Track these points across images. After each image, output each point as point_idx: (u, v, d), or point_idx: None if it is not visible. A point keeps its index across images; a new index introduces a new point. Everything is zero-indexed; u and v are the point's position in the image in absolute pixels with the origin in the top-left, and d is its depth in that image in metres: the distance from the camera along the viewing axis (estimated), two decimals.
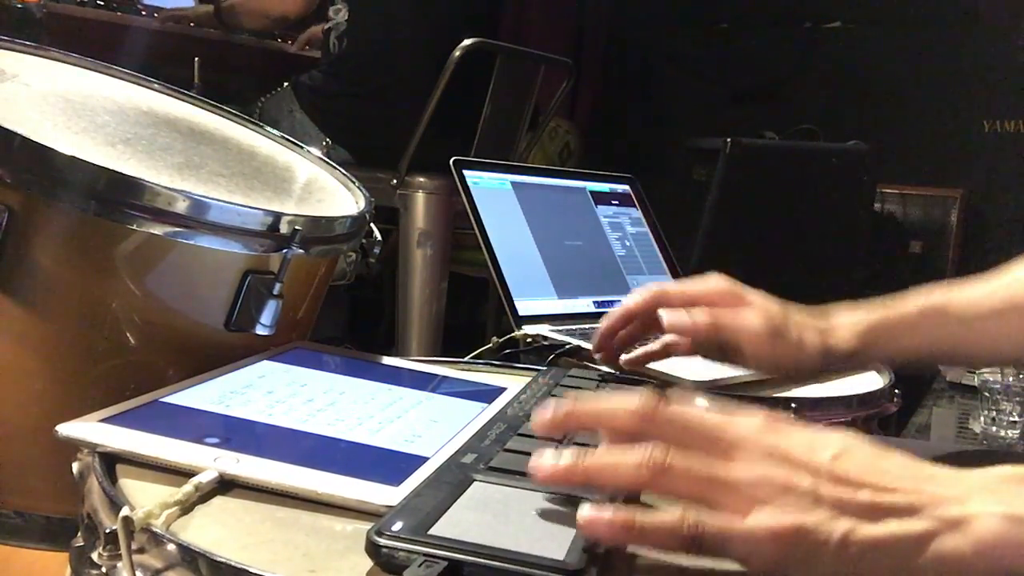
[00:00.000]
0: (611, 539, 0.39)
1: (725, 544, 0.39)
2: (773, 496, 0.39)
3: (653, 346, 0.74)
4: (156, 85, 0.95)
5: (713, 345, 0.67)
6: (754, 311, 0.67)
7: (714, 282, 0.69)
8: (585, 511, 0.39)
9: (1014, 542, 0.38)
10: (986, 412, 1.34)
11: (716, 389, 0.79)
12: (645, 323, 0.71)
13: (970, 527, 0.38)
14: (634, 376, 0.76)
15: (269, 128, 0.98)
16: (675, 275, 1.23)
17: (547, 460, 0.42)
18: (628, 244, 1.22)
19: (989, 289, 0.68)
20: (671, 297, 0.70)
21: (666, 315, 0.67)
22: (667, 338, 0.72)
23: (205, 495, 0.46)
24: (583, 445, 0.43)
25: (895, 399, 0.91)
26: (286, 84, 1.99)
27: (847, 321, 0.69)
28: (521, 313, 1.00)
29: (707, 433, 0.42)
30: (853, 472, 0.40)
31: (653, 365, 0.82)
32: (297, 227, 0.68)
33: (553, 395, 0.64)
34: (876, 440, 0.44)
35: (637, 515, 0.39)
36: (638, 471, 0.40)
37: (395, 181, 1.83)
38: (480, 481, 0.46)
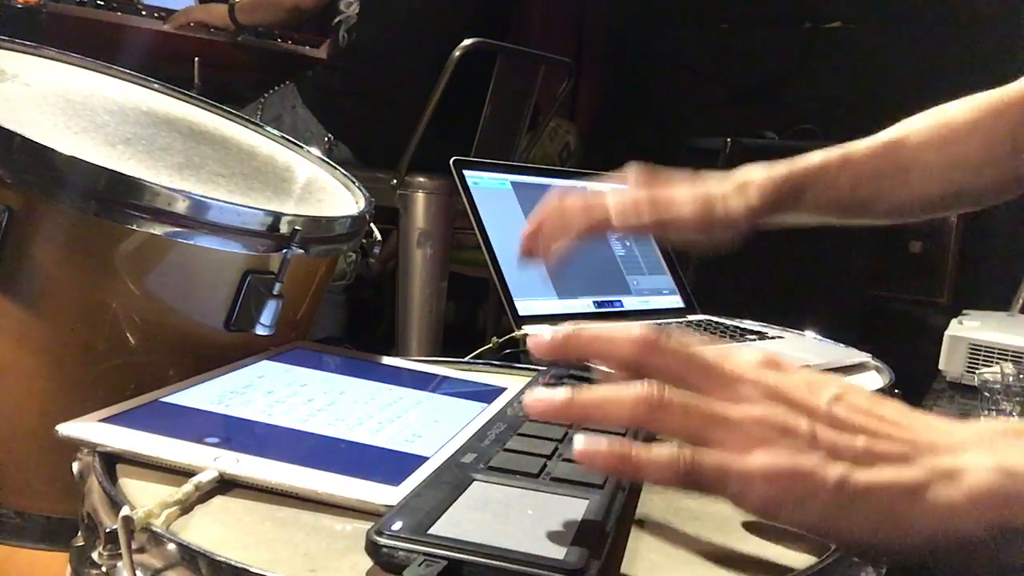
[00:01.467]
0: (607, 469, 0.40)
1: (721, 481, 0.39)
2: (771, 437, 0.39)
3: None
4: (156, 85, 0.95)
5: (654, 224, 0.71)
6: (682, 193, 0.71)
7: (633, 177, 0.72)
8: (581, 442, 0.39)
9: (1006, 494, 0.38)
10: (986, 412, 1.34)
11: None
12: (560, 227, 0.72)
13: (963, 478, 0.38)
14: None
15: (269, 128, 0.98)
16: (675, 275, 1.23)
17: (542, 394, 0.41)
18: (628, 244, 1.22)
19: (880, 146, 0.76)
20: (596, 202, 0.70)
21: (616, 210, 0.69)
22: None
23: (205, 495, 0.46)
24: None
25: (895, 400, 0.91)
26: (288, 81, 1.99)
27: (756, 181, 0.73)
28: (521, 313, 1.00)
29: (707, 368, 0.41)
30: (850, 416, 0.40)
31: None
32: (297, 227, 0.68)
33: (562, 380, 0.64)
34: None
35: (633, 447, 0.39)
36: (635, 406, 0.40)
37: (395, 181, 1.83)
38: (480, 481, 0.46)
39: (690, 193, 0.71)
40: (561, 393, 0.41)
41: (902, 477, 0.39)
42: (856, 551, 0.42)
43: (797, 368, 0.43)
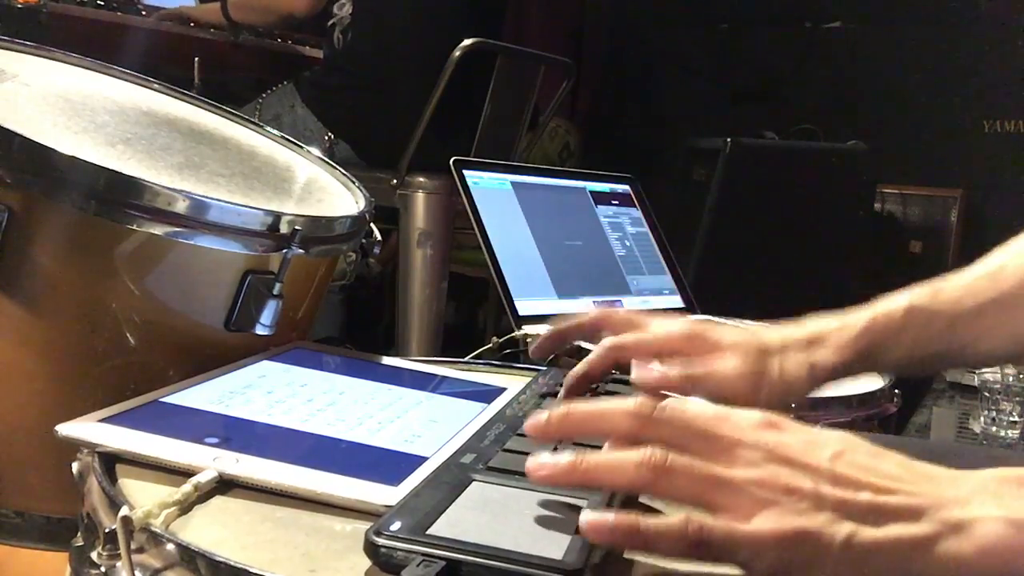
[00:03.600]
0: (615, 544, 0.39)
1: (731, 549, 0.39)
2: (775, 497, 0.39)
3: None
4: (156, 85, 0.95)
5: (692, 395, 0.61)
6: (728, 355, 0.61)
7: (678, 326, 0.62)
8: (588, 515, 0.39)
9: (1015, 547, 0.38)
10: (986, 412, 1.34)
11: None
12: (607, 366, 0.64)
13: (972, 531, 0.38)
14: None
15: (269, 128, 0.98)
16: (675, 275, 1.23)
17: (545, 460, 0.41)
18: (628, 244, 1.22)
19: (971, 285, 0.65)
20: (632, 351, 0.62)
21: (635, 373, 0.60)
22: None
23: (204, 495, 0.46)
24: (581, 446, 0.43)
25: (895, 399, 0.91)
26: (287, 81, 1.99)
27: (831, 333, 0.64)
28: (521, 313, 1.00)
29: (705, 432, 0.42)
30: (852, 472, 0.40)
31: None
32: (297, 227, 0.68)
33: (553, 395, 0.64)
34: (874, 439, 0.44)
35: (641, 519, 0.38)
36: (639, 471, 0.40)
37: (395, 181, 1.83)
38: (479, 481, 0.46)
39: (733, 359, 0.60)
40: (565, 457, 0.41)
41: (911, 532, 0.39)
42: None
43: (796, 426, 0.43)
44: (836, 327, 0.63)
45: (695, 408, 0.43)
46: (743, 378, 0.60)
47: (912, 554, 0.38)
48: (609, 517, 0.39)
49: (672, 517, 0.39)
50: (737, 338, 0.62)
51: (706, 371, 0.60)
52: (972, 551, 0.38)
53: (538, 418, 0.44)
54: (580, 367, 0.64)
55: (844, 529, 0.38)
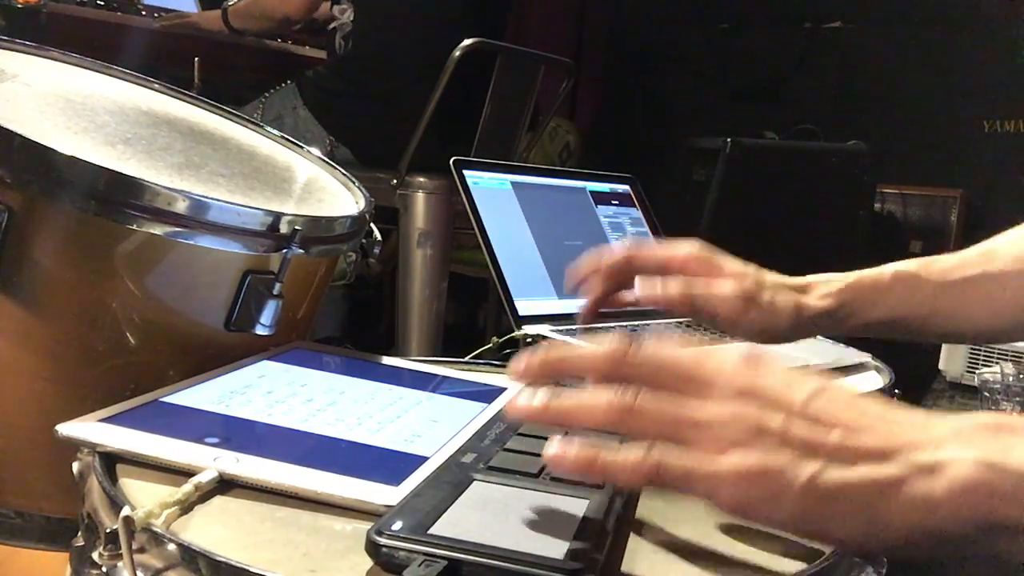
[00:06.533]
0: (575, 472, 0.40)
1: (687, 482, 0.39)
2: (741, 436, 0.39)
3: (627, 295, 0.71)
4: (156, 85, 0.95)
5: (686, 313, 0.67)
6: (727, 280, 0.66)
7: (688, 247, 0.67)
8: (551, 447, 0.40)
9: (987, 487, 0.37)
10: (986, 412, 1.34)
11: None
12: (619, 282, 0.69)
13: (943, 472, 0.38)
14: None
15: (269, 128, 0.98)
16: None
17: (522, 400, 0.42)
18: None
19: (963, 259, 0.69)
20: (644, 260, 0.67)
21: (639, 285, 0.66)
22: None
23: (205, 495, 0.46)
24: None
25: (895, 399, 0.91)
26: (290, 81, 1.99)
27: (820, 283, 0.70)
28: (521, 313, 1.00)
29: (680, 372, 0.42)
30: (826, 412, 0.40)
31: None
32: (297, 227, 0.68)
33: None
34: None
35: (602, 451, 0.39)
36: (607, 411, 0.40)
37: (395, 181, 1.83)
38: (480, 481, 0.46)
39: (731, 284, 0.66)
40: (539, 398, 0.42)
41: (879, 473, 0.38)
42: (834, 548, 0.42)
43: (777, 364, 0.43)
44: (826, 279, 0.70)
45: (671, 350, 0.43)
46: (735, 300, 0.65)
47: (880, 495, 0.38)
48: (571, 448, 0.40)
49: (632, 449, 0.39)
50: (739, 268, 0.67)
51: (704, 291, 0.65)
52: (943, 492, 0.37)
53: (518, 362, 0.44)
54: (592, 261, 0.68)
55: (809, 468, 0.38)
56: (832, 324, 0.70)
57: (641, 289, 0.66)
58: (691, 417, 0.40)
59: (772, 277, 0.69)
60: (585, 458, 0.39)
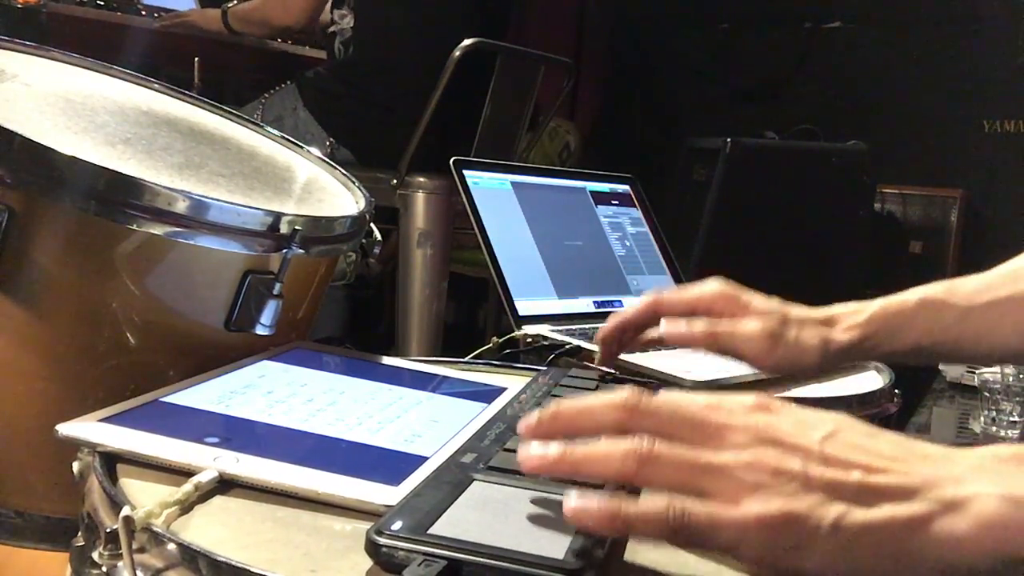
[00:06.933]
0: (597, 528, 0.39)
1: (713, 532, 0.38)
2: (762, 481, 0.38)
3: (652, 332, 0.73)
4: (156, 85, 0.95)
5: (712, 352, 0.68)
6: (752, 317, 0.66)
7: (711, 287, 0.68)
8: (572, 500, 0.39)
9: (1013, 523, 0.37)
10: (986, 412, 1.34)
11: (717, 389, 0.79)
12: (642, 330, 0.71)
13: (968, 508, 0.38)
14: (634, 377, 0.76)
15: (269, 128, 0.98)
16: (675, 275, 1.23)
17: (535, 451, 0.41)
18: (628, 244, 1.22)
19: (988, 281, 0.68)
20: (668, 305, 0.69)
21: (664, 326, 0.67)
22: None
23: (205, 495, 0.46)
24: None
25: (895, 399, 0.91)
26: (290, 81, 1.99)
27: (845, 315, 0.69)
28: (521, 313, 1.00)
29: (694, 420, 0.41)
30: (844, 453, 0.40)
31: (653, 365, 0.82)
32: (297, 227, 0.68)
33: (553, 395, 0.64)
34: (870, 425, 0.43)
35: (623, 504, 0.38)
36: (624, 460, 0.40)
37: (395, 181, 1.83)
38: (480, 481, 0.46)
39: (756, 323, 0.66)
40: (554, 448, 0.41)
41: (904, 512, 0.38)
42: None
43: (789, 408, 0.42)
44: (851, 310, 0.69)
45: (684, 398, 0.43)
46: (761, 339, 0.65)
47: (906, 534, 0.38)
48: (592, 501, 0.39)
49: (654, 500, 0.39)
50: (764, 305, 0.67)
51: (729, 330, 0.65)
52: (968, 528, 0.37)
53: (529, 419, 0.44)
54: (618, 315, 0.70)
55: (833, 511, 0.38)
56: (859, 355, 0.70)
57: (667, 329, 0.67)
58: (709, 463, 0.39)
59: (797, 312, 0.69)
60: (607, 511, 0.38)
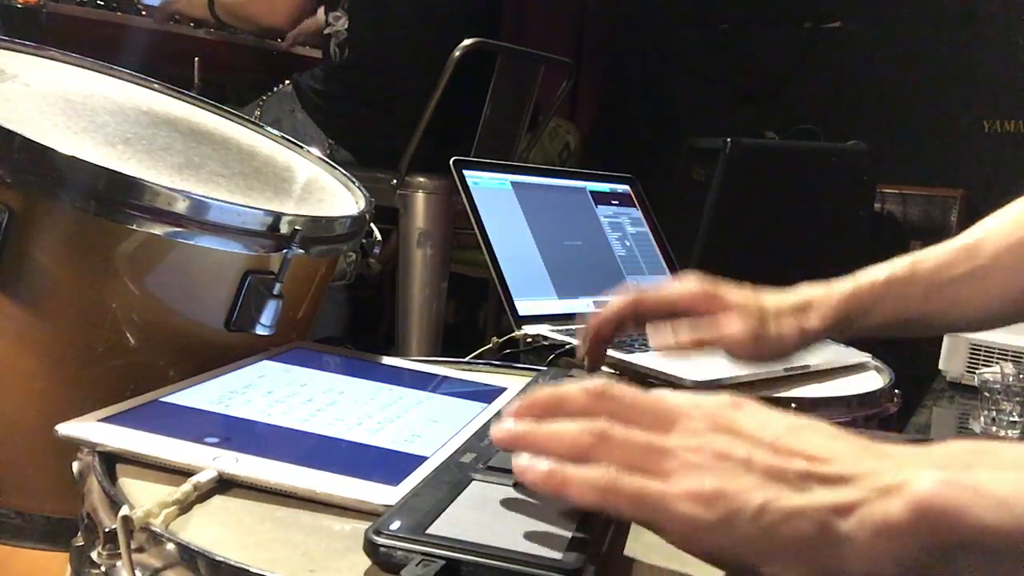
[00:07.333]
0: (533, 482, 0.40)
1: (639, 503, 0.38)
2: (703, 463, 0.39)
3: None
4: (156, 85, 0.95)
5: (690, 343, 0.71)
6: (734, 316, 0.69)
7: (690, 285, 0.71)
8: (522, 459, 0.41)
9: (951, 507, 0.35)
10: (986, 412, 1.34)
11: (717, 389, 0.79)
12: (622, 327, 0.72)
13: (904, 491, 0.36)
14: (633, 377, 0.76)
15: (269, 128, 0.98)
16: (675, 275, 1.23)
17: (506, 426, 0.43)
18: (628, 244, 1.22)
19: (948, 259, 0.72)
20: (648, 304, 0.71)
21: (652, 338, 0.71)
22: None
23: (204, 494, 0.46)
24: None
25: (895, 399, 0.91)
26: (287, 83, 1.99)
27: (817, 300, 0.72)
28: (521, 313, 1.00)
29: (655, 407, 0.42)
30: (796, 445, 0.39)
31: (653, 365, 0.83)
32: (297, 227, 0.68)
33: None
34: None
35: (565, 466, 0.40)
36: (579, 437, 0.41)
37: (395, 181, 1.83)
38: (479, 480, 0.46)
39: (738, 321, 0.69)
40: (522, 425, 0.43)
41: (831, 497, 0.37)
42: None
43: (762, 409, 0.42)
44: (822, 294, 0.73)
45: (659, 392, 0.44)
46: (746, 340, 0.69)
47: (833, 519, 0.36)
48: (540, 462, 0.41)
49: (595, 468, 0.40)
50: (740, 298, 0.71)
51: (715, 335, 0.69)
52: (901, 511, 0.35)
53: (499, 425, 0.44)
54: (599, 317, 0.72)
55: (763, 494, 0.37)
56: (834, 335, 0.74)
57: (655, 340, 0.70)
58: (658, 445, 0.40)
59: (772, 302, 0.72)
60: (549, 470, 0.40)
